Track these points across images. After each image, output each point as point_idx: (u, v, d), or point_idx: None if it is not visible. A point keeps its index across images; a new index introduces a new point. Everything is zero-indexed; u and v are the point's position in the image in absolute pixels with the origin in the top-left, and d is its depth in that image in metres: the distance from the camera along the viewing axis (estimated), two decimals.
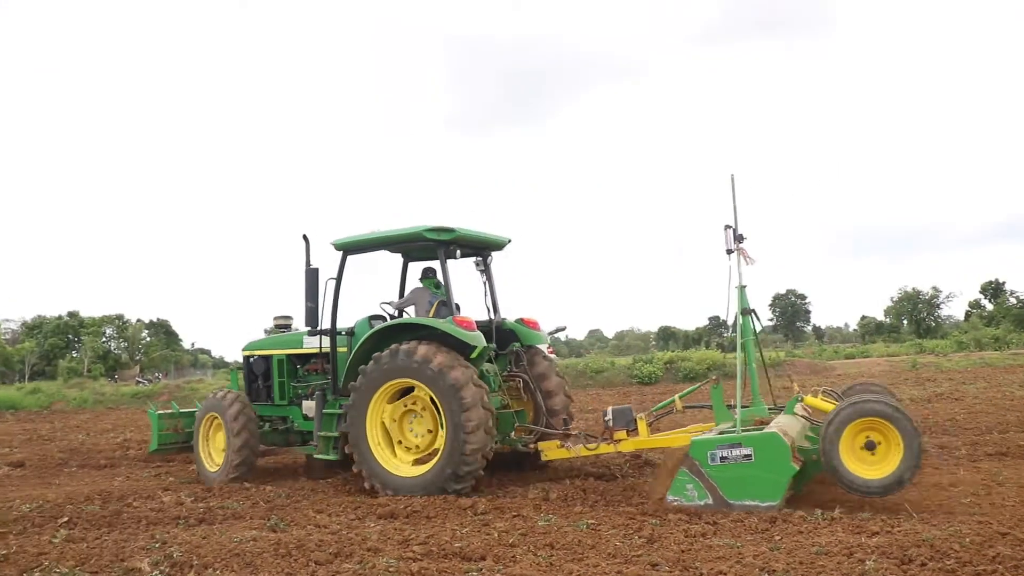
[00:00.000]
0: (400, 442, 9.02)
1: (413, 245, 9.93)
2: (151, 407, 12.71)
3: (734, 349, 8.09)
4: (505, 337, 9.93)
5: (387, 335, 9.16)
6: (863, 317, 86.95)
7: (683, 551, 5.86)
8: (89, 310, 60.24)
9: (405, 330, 9.17)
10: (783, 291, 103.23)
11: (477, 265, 10.18)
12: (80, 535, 7.18)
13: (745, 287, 8.34)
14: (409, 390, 8.91)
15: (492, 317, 10.02)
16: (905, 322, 79.31)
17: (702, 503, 7.15)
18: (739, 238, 8.16)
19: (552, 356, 10.24)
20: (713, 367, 30.18)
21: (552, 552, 6.03)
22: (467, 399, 8.30)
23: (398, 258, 10.89)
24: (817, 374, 28.36)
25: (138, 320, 75.49)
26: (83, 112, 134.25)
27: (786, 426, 7.45)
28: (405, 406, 9.00)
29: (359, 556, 6.05)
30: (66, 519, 7.87)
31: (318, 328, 9.70)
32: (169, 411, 11.61)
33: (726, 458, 7.07)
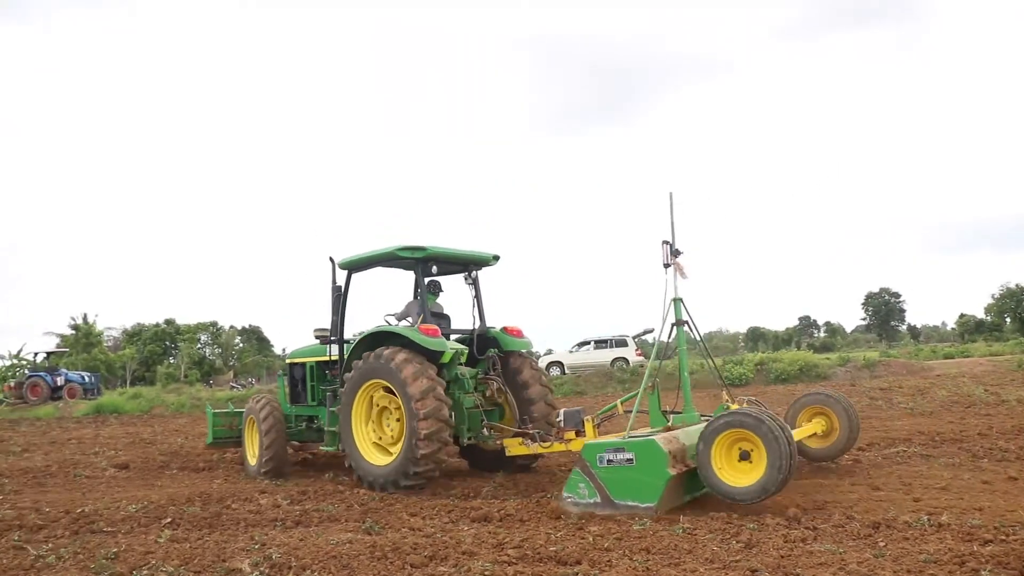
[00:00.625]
0: (380, 437, 9.98)
1: (396, 263, 10.86)
2: (208, 406, 14.59)
3: (660, 357, 9.11)
4: (489, 344, 10.79)
5: (372, 343, 10.10)
6: (961, 315, 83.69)
7: (783, 556, 5.72)
8: (185, 318, 62.12)
9: (389, 337, 10.00)
10: (876, 289, 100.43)
11: (465, 279, 11.04)
12: (183, 535, 7.41)
13: (680, 299, 8.84)
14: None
15: (476, 326, 10.88)
16: (1008, 320, 76.04)
17: (591, 501, 7.75)
18: (675, 252, 8.78)
19: (539, 365, 10.94)
20: (805, 368, 29.53)
21: (648, 557, 5.96)
22: (416, 390, 9.15)
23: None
24: (914, 374, 27.33)
25: (231, 327, 77.70)
26: (175, 127, 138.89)
27: (683, 435, 8.10)
28: (379, 405, 9.99)
29: (454, 559, 6.09)
30: (169, 520, 8.12)
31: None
32: (225, 410, 13.30)
33: (612, 461, 7.71)
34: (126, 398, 32.54)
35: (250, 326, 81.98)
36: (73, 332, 53.35)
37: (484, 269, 11.17)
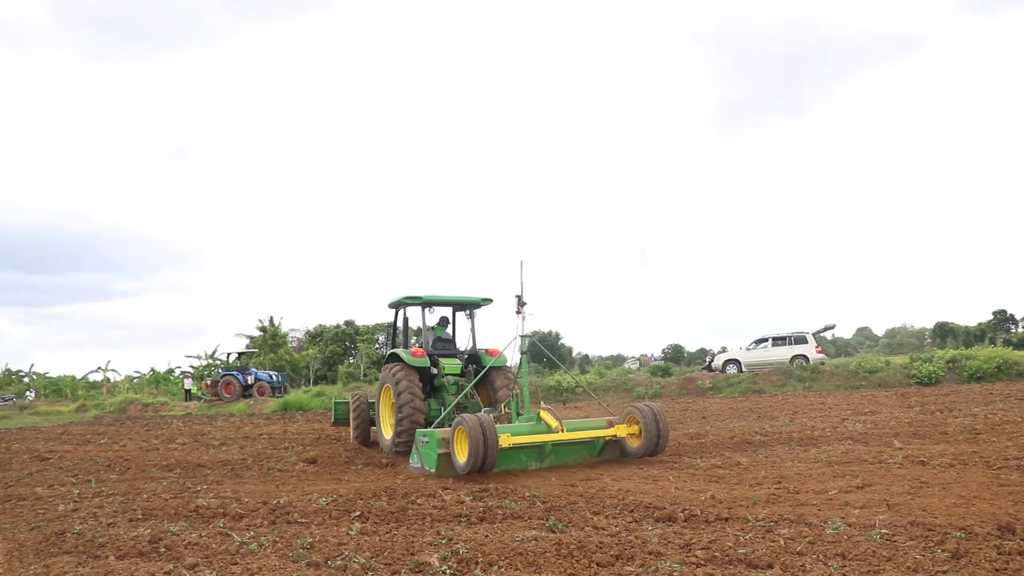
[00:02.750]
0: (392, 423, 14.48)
1: (409, 305, 15.30)
2: (333, 397, 23.36)
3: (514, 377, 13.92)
4: (475, 361, 14.79)
5: (390, 360, 14.79)
6: None
7: (997, 570, 5.32)
8: (363, 319, 64.38)
9: (396, 357, 14.47)
10: None
11: (466, 316, 15.48)
12: (372, 528, 7.66)
13: (527, 336, 12.33)
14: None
15: (471, 349, 15.04)
16: None
17: (417, 466, 11.70)
18: (522, 304, 12.26)
19: (511, 374, 14.50)
20: (1004, 365, 27.53)
21: (844, 563, 5.69)
22: (399, 390, 13.66)
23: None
24: None
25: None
26: (353, 142, 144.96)
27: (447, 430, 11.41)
28: (391, 400, 14.50)
29: (641, 559, 6.00)
30: (358, 513, 8.42)
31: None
32: (343, 399, 18.90)
33: (424, 442, 11.57)
34: (310, 396, 34.16)
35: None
36: (261, 333, 56.48)
37: (483, 307, 15.39)
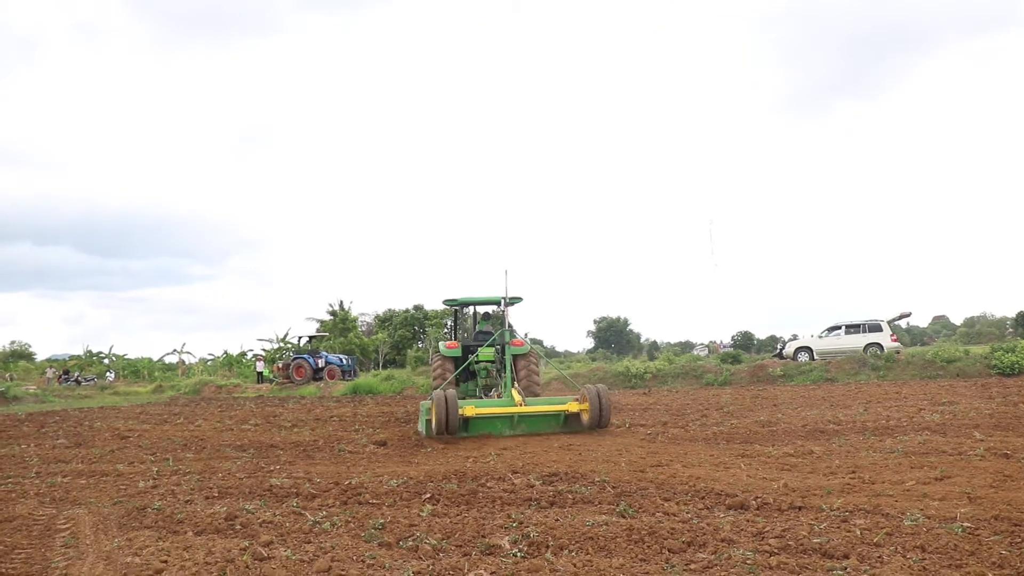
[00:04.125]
0: None
1: (450, 306, 19.30)
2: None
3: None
4: (503, 349, 16.26)
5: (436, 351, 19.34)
6: None
7: None
8: (432, 304, 64.95)
9: (438, 349, 18.66)
10: None
11: (498, 310, 18.46)
12: (443, 510, 7.73)
13: (507, 330, 16.12)
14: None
15: (506, 340, 16.23)
16: None
17: (421, 431, 14.93)
18: (507, 304, 17.07)
19: (535, 359, 17.68)
20: None
21: (924, 555, 5.55)
22: (434, 373, 17.64)
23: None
24: None
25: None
26: (418, 129, 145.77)
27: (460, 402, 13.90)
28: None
29: (713, 546, 5.95)
30: (429, 495, 8.50)
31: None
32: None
33: (420, 412, 15.12)
34: (380, 379, 34.65)
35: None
36: (331, 317, 57.35)
37: (517, 303, 17.83)
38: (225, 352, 65.72)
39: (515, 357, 16.63)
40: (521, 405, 14.21)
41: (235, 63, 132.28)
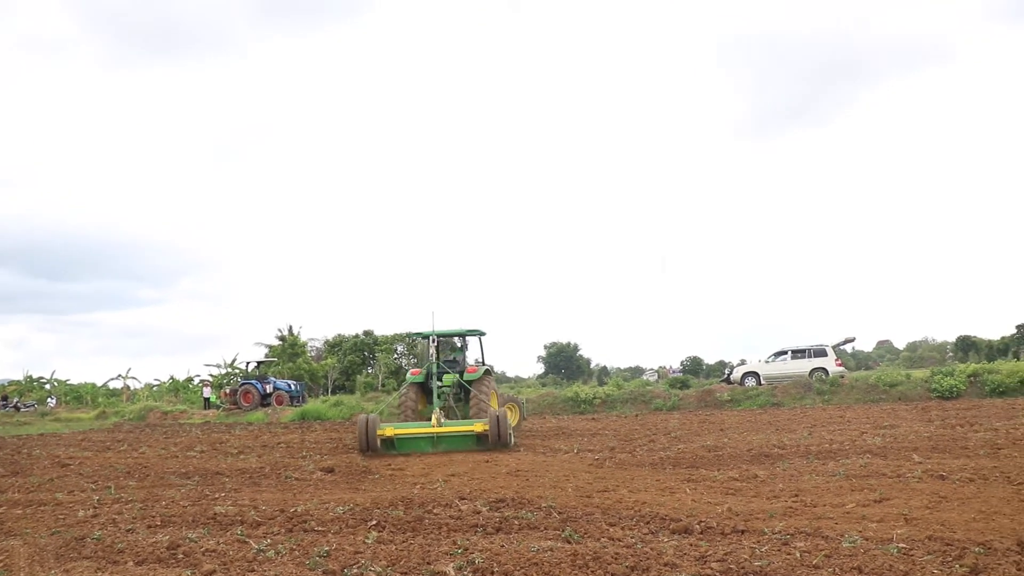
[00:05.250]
0: None
1: (420, 337, 20.75)
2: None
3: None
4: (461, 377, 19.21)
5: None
6: None
7: None
8: (382, 329, 64.61)
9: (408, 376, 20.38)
10: None
11: (459, 342, 20.74)
12: (389, 537, 7.71)
13: (437, 362, 18.78)
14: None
15: (462, 370, 19.30)
16: None
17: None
18: (433, 341, 19.31)
19: (486, 386, 18.93)
20: None
21: None
22: (402, 400, 19.52)
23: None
24: None
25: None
26: (380, 147, 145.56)
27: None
28: None
29: (656, 571, 6.02)
30: (375, 522, 8.48)
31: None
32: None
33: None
34: (328, 405, 34.30)
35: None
36: (280, 342, 56.72)
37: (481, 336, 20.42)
38: (171, 377, 64.71)
39: (470, 382, 18.94)
40: (436, 427, 16.37)
41: (187, 82, 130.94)
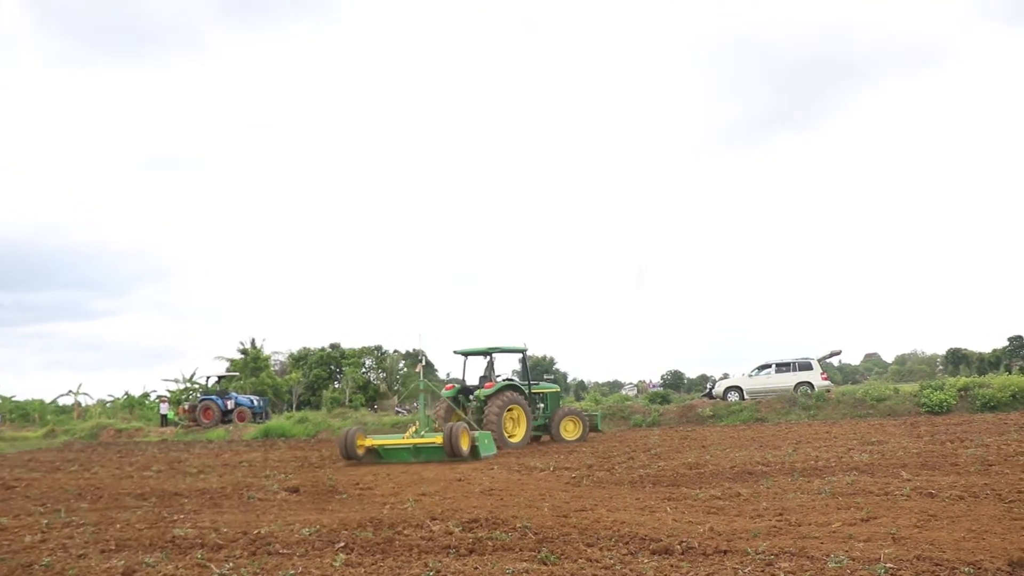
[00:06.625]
0: None
1: (458, 354, 24.12)
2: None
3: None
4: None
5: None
6: None
7: None
8: (349, 342, 64.46)
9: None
10: None
11: (483, 358, 23.77)
12: (357, 560, 7.69)
13: (423, 380, 19.95)
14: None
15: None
16: None
17: None
18: (419, 361, 20.54)
19: (498, 401, 21.68)
20: (1020, 394, 27.58)
21: None
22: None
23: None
24: None
25: (395, 351, 80.00)
26: (342, 158, 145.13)
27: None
28: None
29: None
30: (343, 544, 8.43)
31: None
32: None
33: None
34: (293, 422, 34.10)
35: (414, 350, 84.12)
36: (242, 356, 56.40)
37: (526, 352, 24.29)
38: (126, 393, 63.92)
39: (488, 397, 21.86)
40: (406, 438, 18.90)
41: (145, 81, 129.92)
